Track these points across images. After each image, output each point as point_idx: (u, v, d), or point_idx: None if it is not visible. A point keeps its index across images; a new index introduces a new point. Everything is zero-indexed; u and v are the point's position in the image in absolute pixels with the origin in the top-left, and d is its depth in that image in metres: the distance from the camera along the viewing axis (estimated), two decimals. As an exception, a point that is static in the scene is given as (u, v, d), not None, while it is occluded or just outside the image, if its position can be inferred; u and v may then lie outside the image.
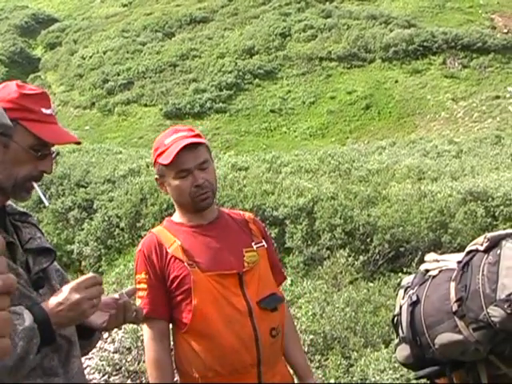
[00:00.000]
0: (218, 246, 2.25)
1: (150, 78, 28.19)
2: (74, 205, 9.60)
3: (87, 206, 9.57)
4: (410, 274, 2.89)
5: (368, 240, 7.38)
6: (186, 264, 2.18)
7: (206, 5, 34.30)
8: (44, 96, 1.74)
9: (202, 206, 2.26)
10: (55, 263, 1.84)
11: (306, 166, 11.02)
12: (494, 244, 1.98)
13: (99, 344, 4.65)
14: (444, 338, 2.02)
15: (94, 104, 27.53)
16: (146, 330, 2.25)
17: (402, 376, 3.87)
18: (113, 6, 38.50)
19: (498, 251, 1.95)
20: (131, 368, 4.47)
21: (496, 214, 8.07)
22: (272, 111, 25.66)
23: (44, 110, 1.70)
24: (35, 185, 1.70)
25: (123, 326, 4.66)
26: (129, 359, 4.55)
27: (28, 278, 1.66)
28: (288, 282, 5.63)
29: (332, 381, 4.12)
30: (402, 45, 27.61)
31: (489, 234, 2.03)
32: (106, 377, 4.47)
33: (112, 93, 27.77)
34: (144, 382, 4.25)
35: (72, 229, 9.40)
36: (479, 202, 8.15)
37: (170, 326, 2.28)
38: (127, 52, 30.62)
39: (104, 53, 30.92)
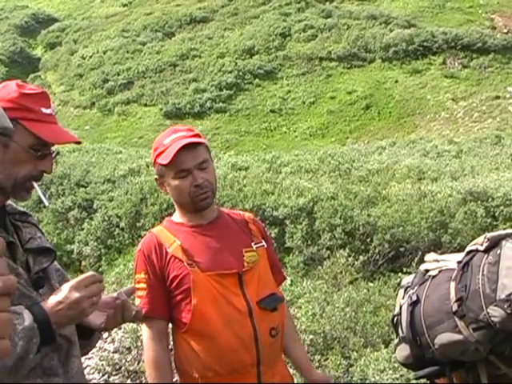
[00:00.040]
0: (217, 245, 2.25)
1: (150, 77, 28.20)
2: (73, 204, 9.60)
3: (87, 206, 9.57)
4: (409, 273, 2.89)
5: (368, 240, 7.38)
6: (185, 264, 2.18)
7: (206, 5, 34.30)
8: (44, 96, 1.74)
9: (201, 205, 2.25)
10: (55, 263, 1.84)
11: (306, 166, 11.02)
12: (494, 244, 1.98)
13: (99, 344, 4.65)
14: (444, 337, 2.02)
15: (93, 104, 27.54)
16: (145, 330, 2.24)
17: (401, 376, 3.87)
18: (113, 5, 38.50)
19: (498, 251, 1.95)
20: (131, 368, 4.47)
21: (496, 214, 8.06)
22: (272, 111, 25.66)
23: (44, 110, 1.70)
24: (35, 184, 1.70)
25: (123, 326, 4.66)
26: (128, 359, 4.55)
27: (28, 277, 1.66)
28: (288, 281, 5.63)
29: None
30: (402, 45, 27.61)
31: (489, 234, 2.03)
32: (105, 377, 4.47)
33: (112, 92, 27.77)
34: (144, 381, 4.25)
35: (72, 228, 9.40)
36: (479, 202, 8.15)
37: (170, 325, 2.28)
38: (127, 52, 30.62)
39: (104, 52, 30.92)
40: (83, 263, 8.77)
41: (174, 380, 2.33)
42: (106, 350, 4.72)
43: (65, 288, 1.57)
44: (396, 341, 2.29)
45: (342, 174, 10.55)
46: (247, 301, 2.19)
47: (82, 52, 31.98)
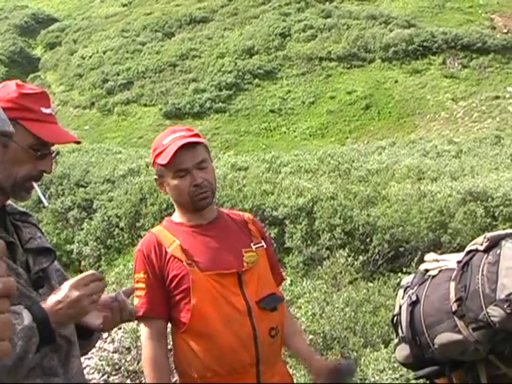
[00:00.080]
0: (217, 245, 2.25)
1: (150, 77, 28.20)
2: (73, 204, 9.60)
3: (87, 206, 9.57)
4: (409, 273, 2.90)
5: (368, 240, 7.38)
6: (185, 263, 2.18)
7: (206, 5, 34.30)
8: (44, 95, 1.74)
9: (201, 205, 2.25)
10: (56, 263, 1.83)
11: (305, 166, 11.02)
12: (494, 244, 1.98)
13: (99, 344, 4.65)
14: (443, 337, 2.02)
15: (93, 104, 27.54)
16: (143, 330, 2.24)
17: (401, 376, 3.87)
18: (112, 5, 38.49)
19: (498, 251, 1.95)
20: (130, 368, 4.47)
21: (495, 214, 8.06)
22: (272, 111, 25.66)
23: (44, 110, 1.70)
24: (35, 184, 1.70)
25: (123, 326, 4.67)
26: (128, 359, 4.55)
27: (28, 277, 1.66)
28: (287, 281, 5.64)
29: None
30: (402, 45, 27.61)
31: (488, 234, 2.03)
32: (105, 376, 4.47)
33: (112, 93, 27.77)
34: (143, 381, 4.25)
35: (71, 228, 9.40)
36: (479, 202, 8.15)
37: (169, 325, 2.28)
38: (127, 52, 30.62)
39: (104, 53, 30.92)
40: (83, 263, 8.77)
41: (172, 380, 2.33)
42: (105, 349, 4.72)
43: (64, 287, 1.57)
44: (396, 341, 2.29)
45: (342, 174, 10.55)
46: (246, 300, 2.19)
47: (81, 52, 31.99)
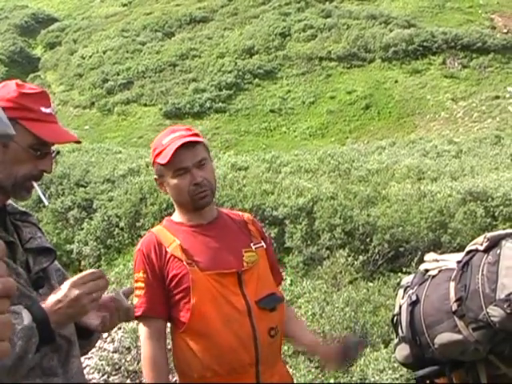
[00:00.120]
0: (217, 245, 2.25)
1: (150, 77, 28.19)
2: (73, 204, 9.59)
3: (87, 206, 9.57)
4: (409, 273, 2.90)
5: (367, 240, 7.38)
6: (185, 263, 2.18)
7: (206, 4, 34.29)
8: (44, 95, 1.73)
9: (200, 204, 2.26)
10: (56, 262, 1.83)
11: (305, 166, 11.01)
12: (494, 244, 1.98)
13: (99, 344, 4.65)
14: (444, 337, 2.02)
15: (93, 103, 27.52)
16: (142, 329, 2.24)
17: (401, 376, 3.87)
18: (112, 5, 38.48)
19: (498, 251, 1.95)
20: (130, 368, 4.47)
21: (495, 214, 8.06)
22: (272, 111, 25.65)
23: (43, 109, 1.70)
24: (35, 184, 1.70)
25: (122, 326, 4.67)
26: (128, 359, 4.55)
27: (28, 277, 1.66)
28: (288, 281, 5.64)
29: (331, 381, 4.13)
30: (402, 45, 27.60)
31: (488, 234, 2.03)
32: (105, 376, 4.47)
33: (112, 92, 27.76)
34: (143, 381, 4.25)
35: (71, 228, 9.40)
36: (479, 202, 8.15)
37: (168, 325, 2.28)
38: (127, 52, 30.61)
39: (104, 52, 30.91)
40: (83, 263, 8.77)
41: (172, 380, 2.33)
42: (105, 349, 4.72)
43: (64, 286, 1.57)
44: (396, 341, 2.29)
45: (342, 173, 10.55)
46: (246, 300, 2.19)
47: (81, 52, 31.97)
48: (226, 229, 2.32)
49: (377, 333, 4.71)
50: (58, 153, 1.78)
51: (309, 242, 7.46)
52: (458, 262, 2.06)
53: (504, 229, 2.77)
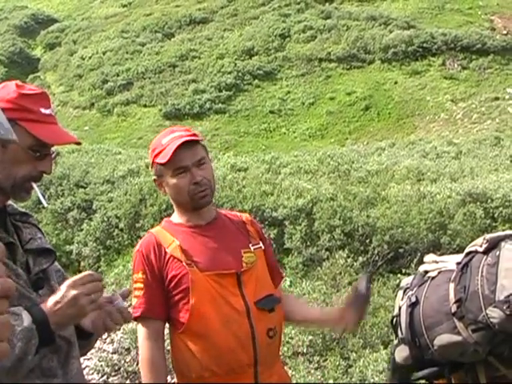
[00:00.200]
0: (216, 246, 2.26)
1: (150, 78, 28.18)
2: (73, 205, 9.59)
3: (86, 207, 9.56)
4: (409, 275, 2.90)
5: (367, 241, 7.38)
6: (184, 263, 2.18)
7: (206, 5, 34.30)
8: (43, 96, 1.73)
9: (200, 203, 2.26)
10: (56, 263, 1.83)
11: (305, 167, 11.01)
12: (493, 245, 1.98)
13: (98, 344, 4.65)
14: (443, 339, 2.02)
15: (93, 104, 27.52)
16: (141, 330, 2.24)
17: (400, 377, 3.86)
18: (112, 6, 38.49)
19: (497, 252, 1.95)
20: (130, 369, 4.47)
21: (495, 215, 8.06)
22: (271, 112, 25.65)
23: (43, 110, 1.69)
24: (34, 185, 1.70)
25: (122, 327, 4.66)
26: (127, 360, 4.55)
27: (28, 278, 1.66)
28: (287, 282, 5.64)
29: (331, 381, 4.13)
30: (402, 46, 27.60)
31: (488, 236, 2.03)
32: (104, 377, 4.47)
33: (111, 93, 27.75)
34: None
35: (71, 229, 9.39)
36: (478, 203, 8.15)
37: (167, 326, 2.28)
38: (126, 52, 30.61)
39: (103, 53, 30.90)
40: (82, 264, 8.76)
41: (171, 381, 2.33)
42: (105, 350, 4.72)
43: (62, 287, 1.56)
44: (395, 342, 2.29)
45: (342, 174, 10.54)
46: (245, 301, 2.19)
47: (81, 53, 31.97)
48: (225, 229, 2.33)
49: (376, 334, 4.71)
50: (58, 154, 1.79)
51: (308, 243, 7.46)
52: (458, 264, 2.06)
53: (503, 230, 2.77)
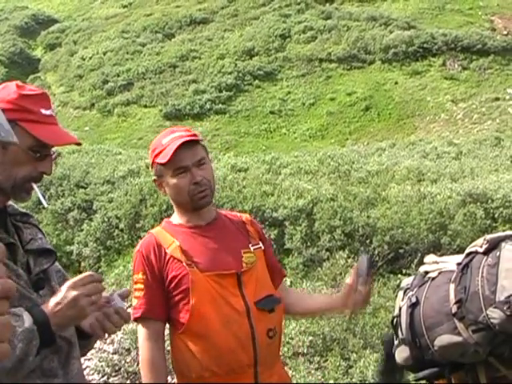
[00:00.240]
0: (216, 246, 2.26)
1: (150, 78, 28.18)
2: (73, 206, 9.59)
3: (87, 207, 9.57)
4: (409, 275, 2.90)
5: (367, 241, 7.37)
6: (184, 264, 2.18)
7: (206, 6, 34.31)
8: (44, 96, 1.73)
9: (200, 203, 2.26)
10: (56, 264, 1.83)
11: (305, 168, 11.01)
12: (494, 246, 1.98)
13: (98, 345, 4.65)
14: (443, 339, 2.02)
15: (93, 105, 27.51)
16: (141, 331, 2.24)
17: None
18: (113, 6, 38.50)
19: (498, 253, 1.95)
20: (130, 369, 4.47)
21: (495, 215, 8.06)
22: (272, 112, 25.65)
23: (43, 111, 1.69)
24: (34, 186, 1.70)
25: (122, 327, 4.66)
26: (128, 360, 4.55)
27: (28, 279, 1.66)
28: (287, 283, 5.64)
29: (331, 382, 4.13)
30: (402, 46, 27.60)
31: (488, 236, 2.03)
32: (105, 378, 4.47)
33: (112, 94, 27.75)
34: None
35: (71, 230, 9.40)
36: (479, 203, 8.14)
37: (167, 326, 2.28)
38: (127, 53, 30.61)
39: (104, 54, 30.91)
40: (82, 264, 8.76)
41: (171, 381, 2.33)
42: (105, 351, 4.72)
43: (63, 288, 1.57)
44: (395, 342, 2.29)
45: (342, 175, 10.54)
46: (245, 301, 2.19)
47: (81, 53, 31.97)
48: (225, 230, 2.33)
49: (376, 334, 4.71)
50: (59, 155, 1.79)
51: (308, 244, 7.46)
52: (458, 264, 2.06)
53: (504, 231, 2.77)
